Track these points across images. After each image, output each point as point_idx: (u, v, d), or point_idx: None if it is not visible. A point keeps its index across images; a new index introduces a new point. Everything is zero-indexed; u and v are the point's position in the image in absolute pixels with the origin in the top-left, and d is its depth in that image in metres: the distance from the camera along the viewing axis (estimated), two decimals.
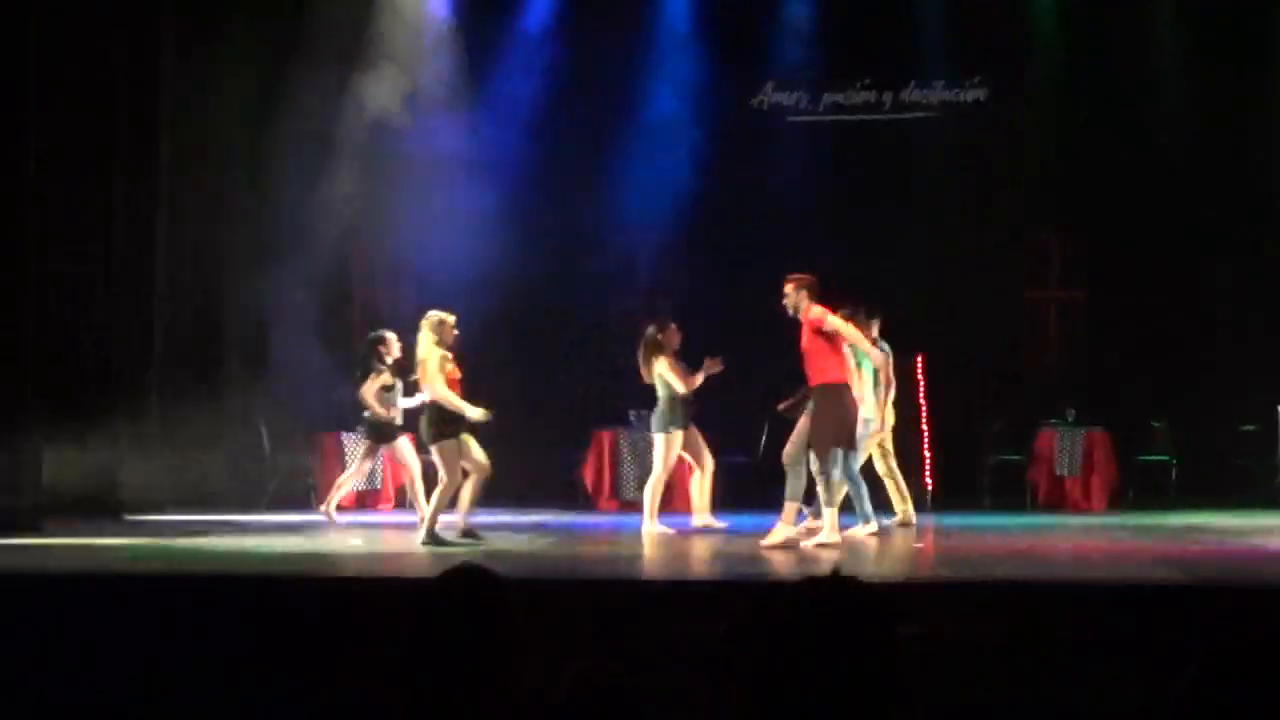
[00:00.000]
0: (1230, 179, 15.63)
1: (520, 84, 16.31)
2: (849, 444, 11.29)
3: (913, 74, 16.57)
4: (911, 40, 16.51)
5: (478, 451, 11.49)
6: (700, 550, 11.44)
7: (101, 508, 13.54)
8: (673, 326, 12.57)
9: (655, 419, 12.47)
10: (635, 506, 14.54)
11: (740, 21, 16.61)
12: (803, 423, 11.25)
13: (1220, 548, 11.23)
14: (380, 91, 15.78)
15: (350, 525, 13.29)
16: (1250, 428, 15.41)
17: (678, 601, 7.97)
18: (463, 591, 2.80)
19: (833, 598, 2.39)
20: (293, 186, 15.31)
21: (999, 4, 16.46)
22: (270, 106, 15.40)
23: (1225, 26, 15.74)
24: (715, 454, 15.10)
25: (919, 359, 15.93)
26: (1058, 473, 15.06)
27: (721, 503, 13.94)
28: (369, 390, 13.03)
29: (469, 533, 11.46)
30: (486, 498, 14.68)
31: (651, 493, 12.37)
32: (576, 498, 15.17)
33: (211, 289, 15.39)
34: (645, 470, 14.94)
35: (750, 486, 15.13)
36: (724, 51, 16.43)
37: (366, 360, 13.26)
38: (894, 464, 13.03)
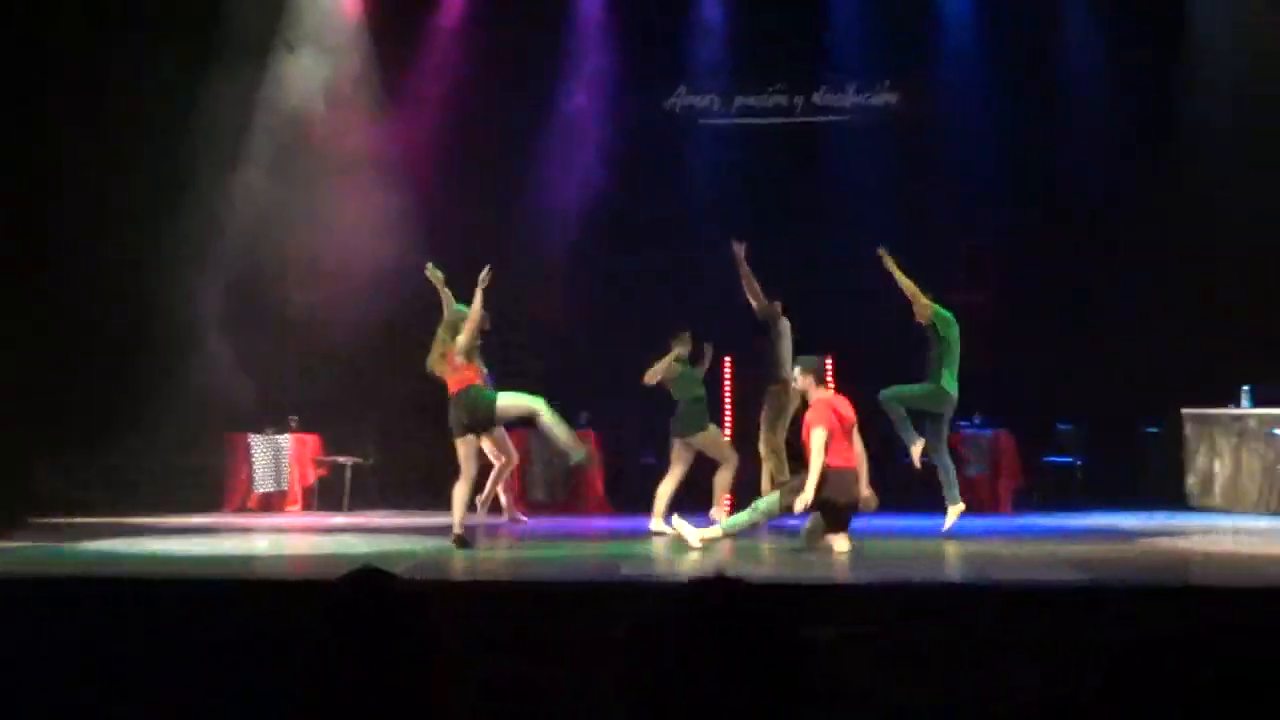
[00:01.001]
0: (1134, 181, 15.81)
1: (434, 80, 16.23)
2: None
3: (824, 78, 16.65)
4: (823, 44, 16.61)
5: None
6: (609, 552, 11.38)
7: (6, 510, 13.33)
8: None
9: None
10: (544, 508, 14.51)
11: (653, 24, 16.62)
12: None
13: (1124, 548, 11.34)
14: (294, 88, 15.65)
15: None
16: (1154, 429, 15.61)
17: (584, 603, 7.93)
18: (362, 595, 2.74)
19: (718, 599, 2.36)
20: (205, 184, 15.15)
21: (909, 8, 16.57)
22: (183, 104, 15.22)
23: (1133, 30, 15.92)
24: (623, 454, 15.12)
25: (828, 360, 15.98)
26: (964, 473, 15.15)
27: (634, 503, 13.97)
28: None
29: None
30: (399, 499, 14.66)
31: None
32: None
33: (121, 287, 15.17)
34: (556, 472, 14.94)
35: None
36: (637, 53, 16.43)
37: None
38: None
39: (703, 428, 12.62)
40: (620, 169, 16.03)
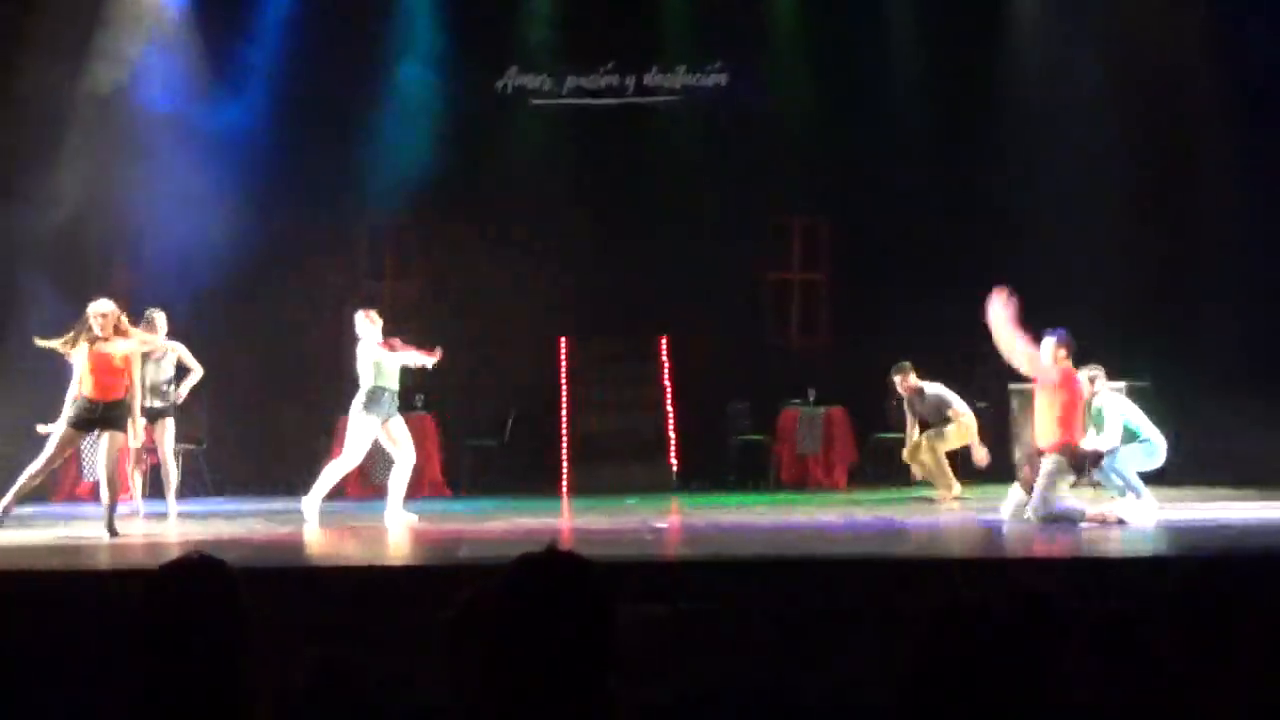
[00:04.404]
0: (964, 162, 16.08)
1: (265, 58, 16.01)
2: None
3: (655, 58, 16.73)
4: (654, 25, 16.67)
5: None
6: (434, 535, 11.32)
7: None
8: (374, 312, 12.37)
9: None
10: (381, 491, 14.38)
11: (483, 2, 16.56)
12: None
13: (948, 520, 11.58)
14: (119, 67, 15.35)
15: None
16: (983, 405, 15.90)
17: (408, 586, 7.92)
18: (186, 582, 2.73)
19: (546, 574, 2.39)
20: (26, 166, 14.80)
21: None
22: (3, 84, 14.85)
23: (957, 11, 16.20)
24: (463, 437, 15.08)
25: (662, 340, 16.13)
26: (799, 451, 15.36)
27: (471, 485, 13.92)
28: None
29: None
30: (233, 485, 14.47)
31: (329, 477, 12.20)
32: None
33: None
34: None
35: (496, 469, 15.18)
36: (468, 33, 16.34)
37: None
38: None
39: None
40: (452, 147, 15.95)
